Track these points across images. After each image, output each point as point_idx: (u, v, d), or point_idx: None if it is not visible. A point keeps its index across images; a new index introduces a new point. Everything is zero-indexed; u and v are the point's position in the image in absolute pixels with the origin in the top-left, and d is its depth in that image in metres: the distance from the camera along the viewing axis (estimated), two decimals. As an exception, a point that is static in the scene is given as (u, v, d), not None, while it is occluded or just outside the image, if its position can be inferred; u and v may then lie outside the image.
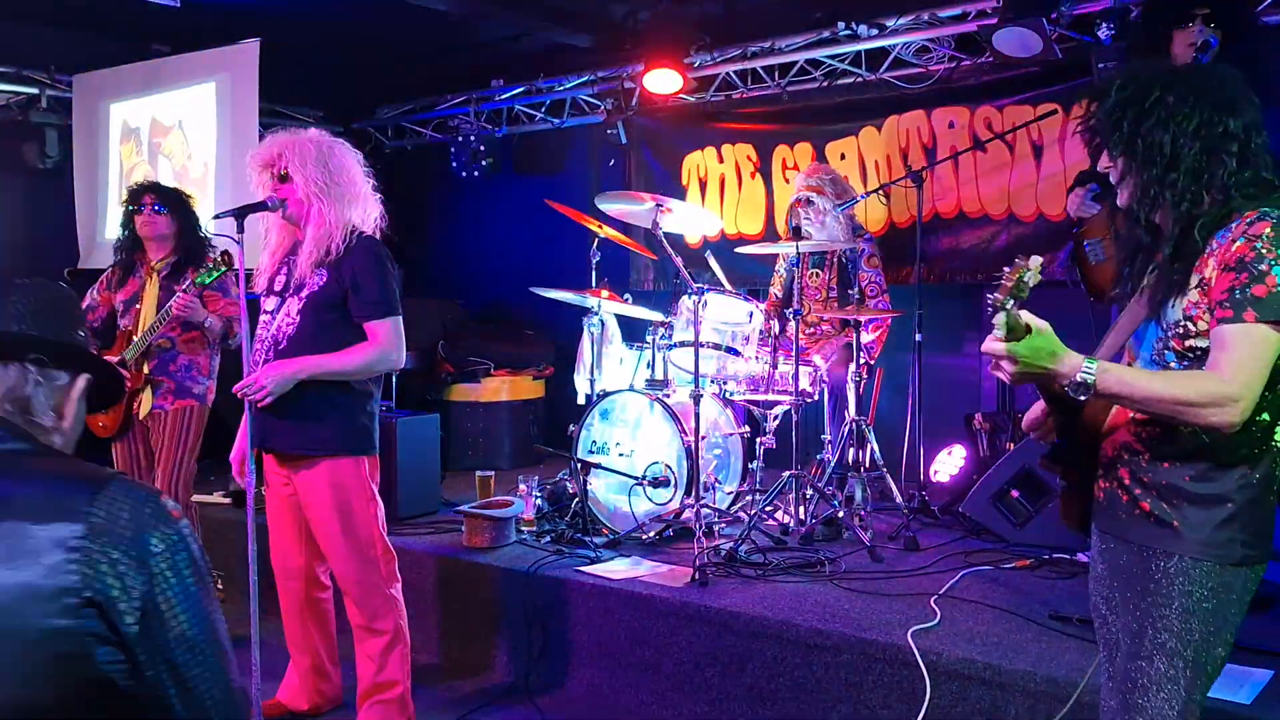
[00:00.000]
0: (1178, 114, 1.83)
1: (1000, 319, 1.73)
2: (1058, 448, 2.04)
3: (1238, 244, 1.78)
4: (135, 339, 4.13)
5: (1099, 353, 1.97)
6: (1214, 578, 1.85)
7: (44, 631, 1.24)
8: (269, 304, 3.30)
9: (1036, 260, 1.74)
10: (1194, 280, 1.83)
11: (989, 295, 1.75)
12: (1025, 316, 1.75)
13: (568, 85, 6.90)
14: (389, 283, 3.23)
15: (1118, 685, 1.96)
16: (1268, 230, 1.76)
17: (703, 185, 6.49)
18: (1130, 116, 1.86)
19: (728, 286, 5.06)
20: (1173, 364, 1.88)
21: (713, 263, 5.33)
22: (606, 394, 4.70)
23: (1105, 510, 2.03)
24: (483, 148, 7.05)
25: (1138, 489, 1.93)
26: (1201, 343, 1.83)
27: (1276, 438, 1.87)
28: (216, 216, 3.15)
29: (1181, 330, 1.85)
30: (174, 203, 4.30)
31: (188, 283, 3.97)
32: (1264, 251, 1.75)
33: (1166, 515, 1.89)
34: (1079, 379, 1.77)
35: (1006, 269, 1.74)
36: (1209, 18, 3.80)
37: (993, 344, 1.76)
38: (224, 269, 3.89)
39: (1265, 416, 1.84)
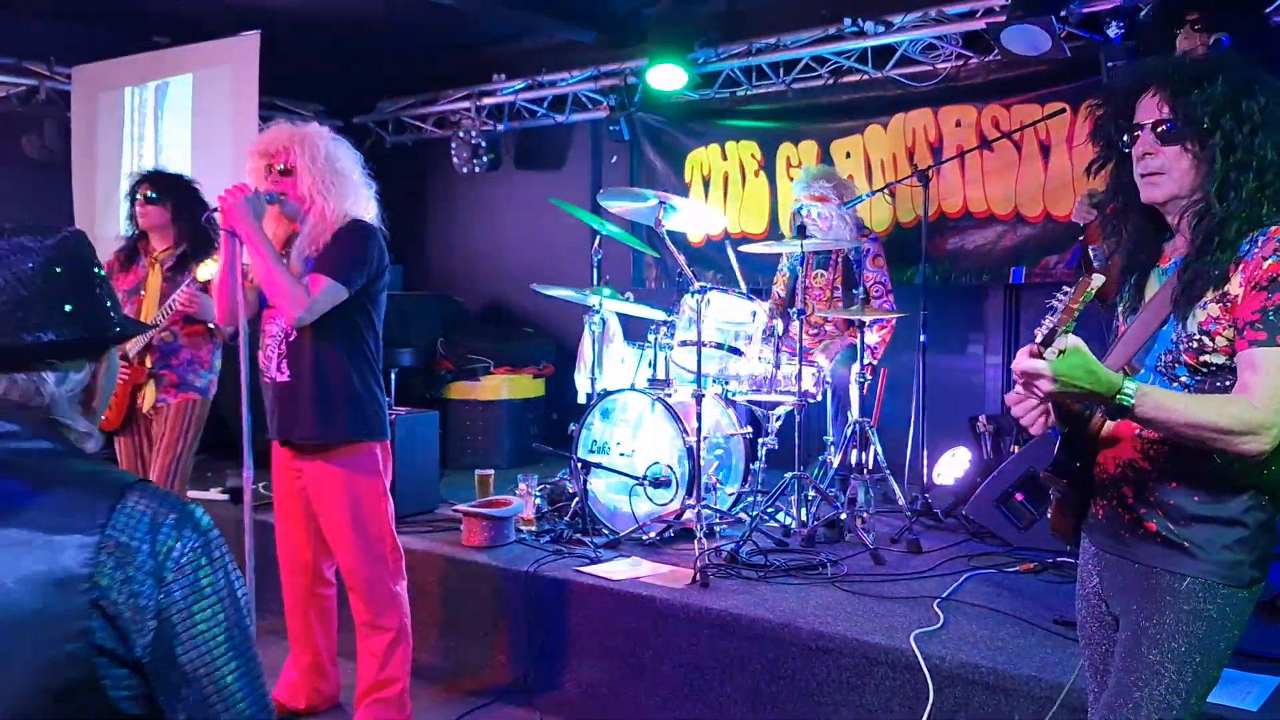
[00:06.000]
0: (1270, 122, 1.76)
1: (1060, 343, 1.63)
2: (1060, 460, 1.98)
3: (1270, 262, 1.72)
4: None
5: (1106, 364, 1.91)
6: (1224, 599, 1.81)
7: (49, 656, 1.16)
8: None
9: (1099, 279, 1.65)
10: (1215, 292, 1.77)
11: (1045, 319, 1.64)
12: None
13: (570, 81, 6.86)
14: (358, 256, 3.16)
15: (1111, 699, 1.91)
16: None
17: (706, 183, 6.45)
18: (1233, 113, 1.76)
19: (741, 281, 5.02)
20: (1183, 378, 1.82)
21: (732, 258, 5.25)
22: (607, 393, 4.66)
23: (1104, 528, 1.96)
24: (484, 143, 7.01)
25: (1142, 508, 1.87)
26: (1217, 359, 1.78)
27: None
28: (213, 210, 3.11)
29: (1197, 345, 1.79)
30: (167, 191, 4.18)
31: (190, 277, 3.91)
32: None
33: (1175, 536, 1.83)
34: (1117, 401, 1.68)
35: (1066, 289, 1.64)
36: (1199, 23, 3.78)
37: (1030, 361, 1.65)
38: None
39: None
